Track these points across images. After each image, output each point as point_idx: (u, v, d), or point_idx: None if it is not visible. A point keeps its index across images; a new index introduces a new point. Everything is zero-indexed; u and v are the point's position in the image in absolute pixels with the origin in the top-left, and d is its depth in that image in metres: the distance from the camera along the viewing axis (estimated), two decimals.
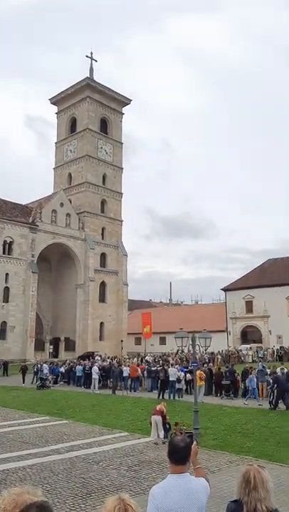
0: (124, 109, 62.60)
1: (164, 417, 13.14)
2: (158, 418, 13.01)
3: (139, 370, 26.09)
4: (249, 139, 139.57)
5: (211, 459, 11.26)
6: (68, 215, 53.01)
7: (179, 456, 3.06)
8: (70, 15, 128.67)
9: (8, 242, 47.39)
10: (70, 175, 57.82)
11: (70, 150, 58.45)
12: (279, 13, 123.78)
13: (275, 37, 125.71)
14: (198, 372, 17.80)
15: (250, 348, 43.57)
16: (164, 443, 12.26)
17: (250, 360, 37.33)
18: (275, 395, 18.11)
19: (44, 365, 30.86)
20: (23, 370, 30.07)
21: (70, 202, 54.13)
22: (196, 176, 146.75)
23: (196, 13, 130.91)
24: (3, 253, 46.91)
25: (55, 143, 61.12)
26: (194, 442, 3.26)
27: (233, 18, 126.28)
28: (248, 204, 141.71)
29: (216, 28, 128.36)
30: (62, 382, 30.11)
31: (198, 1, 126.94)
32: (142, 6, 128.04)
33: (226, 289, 55.66)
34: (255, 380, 20.39)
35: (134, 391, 24.82)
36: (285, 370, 20.58)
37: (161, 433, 12.90)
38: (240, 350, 42.49)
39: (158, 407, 13.24)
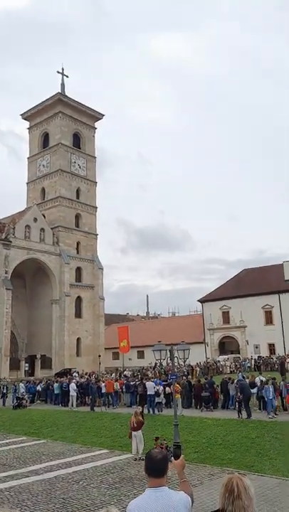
0: (99, 124, 63.03)
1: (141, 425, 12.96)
2: (137, 433, 12.80)
3: (117, 384, 25.78)
4: (225, 151, 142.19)
5: (193, 472, 11.15)
6: (42, 230, 52.54)
7: (156, 469, 2.99)
8: (39, 30, 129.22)
9: None
10: (43, 190, 57.49)
11: (43, 165, 58.21)
12: (245, 28, 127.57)
13: (247, 51, 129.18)
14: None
15: (228, 358, 43.75)
16: (141, 459, 12.07)
17: (229, 371, 37.45)
18: (243, 403, 18.38)
19: (20, 384, 30.17)
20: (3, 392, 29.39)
21: (44, 217, 53.71)
22: (171, 188, 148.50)
23: (167, 30, 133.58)
24: None
25: (28, 158, 60.78)
26: (182, 456, 3.22)
27: (203, 35, 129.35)
28: (223, 215, 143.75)
29: (187, 43, 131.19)
30: (39, 401, 29.47)
31: (168, 18, 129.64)
32: (113, 23, 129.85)
33: (202, 301, 55.95)
34: (272, 389, 18.65)
35: (113, 407, 24.50)
36: (264, 379, 20.69)
37: (141, 447, 12.68)
38: (219, 362, 42.60)
39: (134, 420, 13.02)
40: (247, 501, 2.63)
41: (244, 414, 18.73)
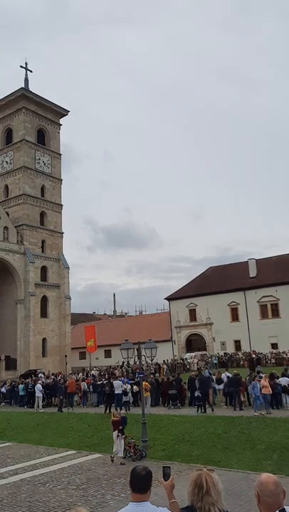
0: (64, 120, 62.18)
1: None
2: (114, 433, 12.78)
3: (85, 384, 25.57)
4: (191, 149, 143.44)
5: (160, 470, 11.15)
6: (6, 228, 51.41)
7: (140, 485, 3.04)
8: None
9: None
10: (6, 187, 56.23)
11: (6, 161, 56.95)
12: (200, 27, 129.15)
13: (206, 50, 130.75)
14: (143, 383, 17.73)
15: (195, 355, 44.16)
16: (122, 463, 11.98)
17: (196, 368, 37.82)
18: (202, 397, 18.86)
19: None
20: None
21: (8, 215, 52.56)
22: (138, 186, 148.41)
23: (129, 26, 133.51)
24: None
25: None
26: (171, 477, 3.24)
27: (162, 33, 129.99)
28: (188, 213, 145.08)
29: (147, 41, 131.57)
30: (3, 403, 28.86)
31: (130, 14, 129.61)
32: (71, 18, 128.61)
33: (169, 298, 56.26)
34: (259, 386, 18.24)
35: (82, 406, 24.28)
36: (231, 375, 20.98)
37: (121, 449, 12.57)
38: (186, 359, 42.95)
39: (115, 420, 12.89)
40: (216, 496, 2.64)
41: (209, 409, 19.04)
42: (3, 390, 29.69)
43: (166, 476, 3.25)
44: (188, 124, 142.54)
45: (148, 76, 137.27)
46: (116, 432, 12.60)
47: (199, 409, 19.28)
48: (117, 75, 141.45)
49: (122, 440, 12.55)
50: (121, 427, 12.70)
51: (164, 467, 3.41)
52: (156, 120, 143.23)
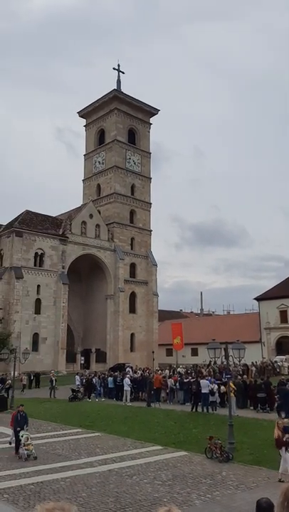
0: (154, 119, 63.03)
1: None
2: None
3: (172, 381, 25.71)
4: (283, 146, 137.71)
5: (248, 474, 10.87)
6: (98, 226, 53.44)
7: None
8: (91, 29, 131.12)
9: (39, 254, 48.06)
10: (98, 186, 58.42)
11: (99, 161, 59.13)
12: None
13: None
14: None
15: (286, 359, 42.36)
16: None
17: (286, 372, 36.26)
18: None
19: (76, 376, 30.82)
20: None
21: (100, 213, 54.59)
22: (227, 183, 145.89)
23: (212, 20, 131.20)
24: (35, 265, 47.56)
25: (84, 155, 61.98)
26: None
27: (254, 25, 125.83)
28: (281, 211, 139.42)
29: (237, 36, 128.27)
30: (93, 395, 29.97)
31: (219, 9, 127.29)
32: (160, 17, 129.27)
33: (259, 299, 54.54)
34: None
35: (157, 402, 24.41)
36: None
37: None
38: (276, 362, 41.37)
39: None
40: None
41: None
42: (94, 381, 30.74)
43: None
44: (278, 117, 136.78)
45: (237, 71, 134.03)
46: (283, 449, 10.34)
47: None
48: (205, 72, 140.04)
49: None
50: None
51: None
52: (247, 116, 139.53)
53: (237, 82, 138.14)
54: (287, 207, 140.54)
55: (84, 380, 30.07)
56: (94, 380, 30.16)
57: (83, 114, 62.23)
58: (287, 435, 10.38)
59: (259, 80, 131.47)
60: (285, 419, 10.71)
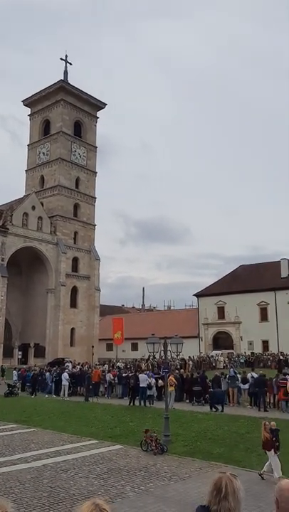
0: (101, 113, 62.57)
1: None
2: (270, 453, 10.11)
3: (110, 375, 25.82)
4: (227, 146, 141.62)
5: (181, 465, 11.17)
6: (40, 218, 52.35)
7: None
8: (39, 16, 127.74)
9: None
10: (42, 177, 57.19)
11: (43, 152, 57.86)
12: (245, 17, 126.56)
13: (245, 43, 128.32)
14: (169, 377, 17.77)
15: (222, 353, 43.83)
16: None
17: (222, 366, 37.53)
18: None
19: (13, 371, 30.11)
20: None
21: (42, 205, 53.48)
22: (172, 181, 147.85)
23: (167, 19, 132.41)
24: None
25: (28, 145, 60.36)
26: None
27: (201, 25, 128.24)
28: (223, 211, 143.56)
29: (186, 34, 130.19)
30: (30, 390, 29.43)
31: (167, 8, 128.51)
32: (113, 11, 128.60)
33: (198, 295, 55.97)
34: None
35: (95, 396, 24.48)
36: (256, 375, 20.74)
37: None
38: (212, 356, 42.69)
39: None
40: (234, 503, 2.52)
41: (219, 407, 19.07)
42: (46, 376, 29.70)
43: None
44: (226, 118, 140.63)
45: (187, 71, 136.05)
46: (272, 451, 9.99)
47: (212, 408, 19.31)
48: (155, 69, 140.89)
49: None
50: (278, 443, 10.08)
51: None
52: (193, 115, 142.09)
53: (183, 80, 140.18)
54: (228, 206, 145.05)
55: (30, 375, 29.27)
56: (46, 375, 29.28)
57: (28, 102, 60.54)
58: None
59: (201, 81, 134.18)
60: (273, 422, 10.62)
